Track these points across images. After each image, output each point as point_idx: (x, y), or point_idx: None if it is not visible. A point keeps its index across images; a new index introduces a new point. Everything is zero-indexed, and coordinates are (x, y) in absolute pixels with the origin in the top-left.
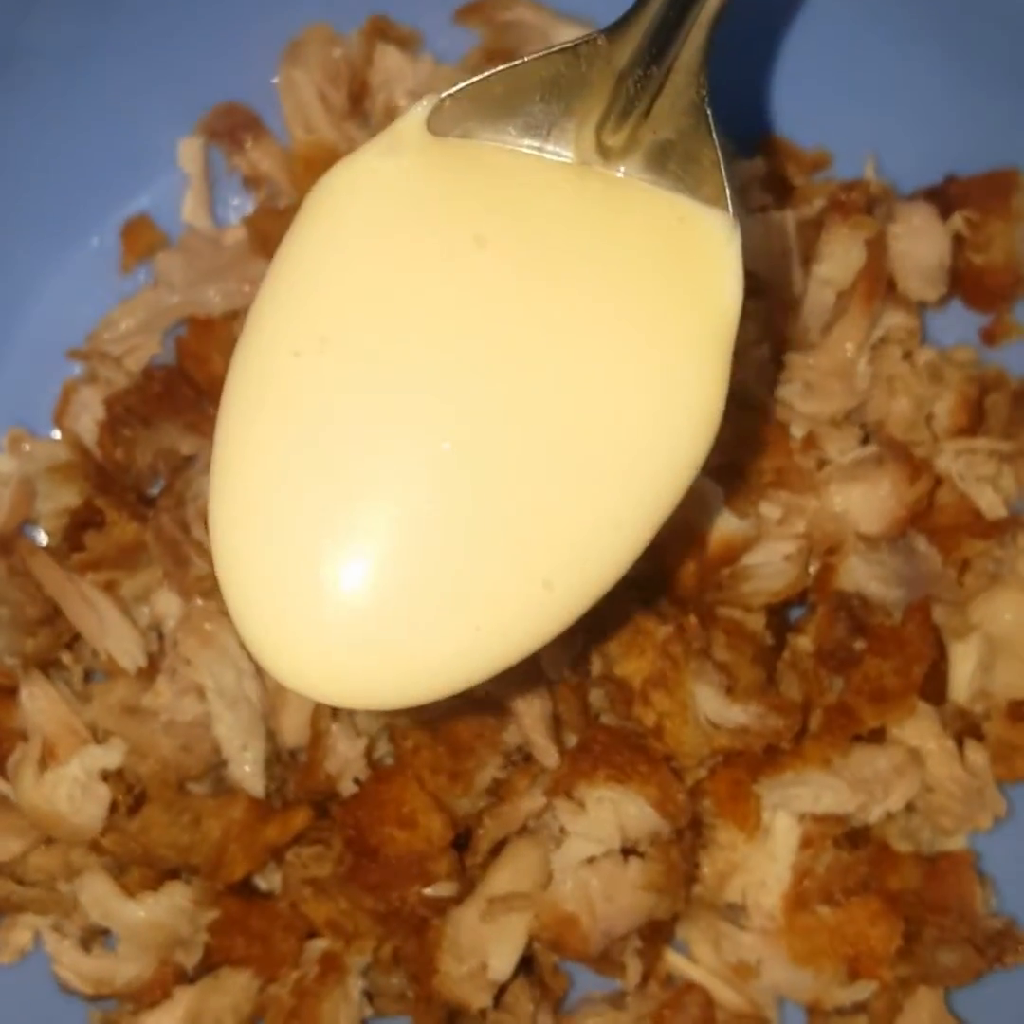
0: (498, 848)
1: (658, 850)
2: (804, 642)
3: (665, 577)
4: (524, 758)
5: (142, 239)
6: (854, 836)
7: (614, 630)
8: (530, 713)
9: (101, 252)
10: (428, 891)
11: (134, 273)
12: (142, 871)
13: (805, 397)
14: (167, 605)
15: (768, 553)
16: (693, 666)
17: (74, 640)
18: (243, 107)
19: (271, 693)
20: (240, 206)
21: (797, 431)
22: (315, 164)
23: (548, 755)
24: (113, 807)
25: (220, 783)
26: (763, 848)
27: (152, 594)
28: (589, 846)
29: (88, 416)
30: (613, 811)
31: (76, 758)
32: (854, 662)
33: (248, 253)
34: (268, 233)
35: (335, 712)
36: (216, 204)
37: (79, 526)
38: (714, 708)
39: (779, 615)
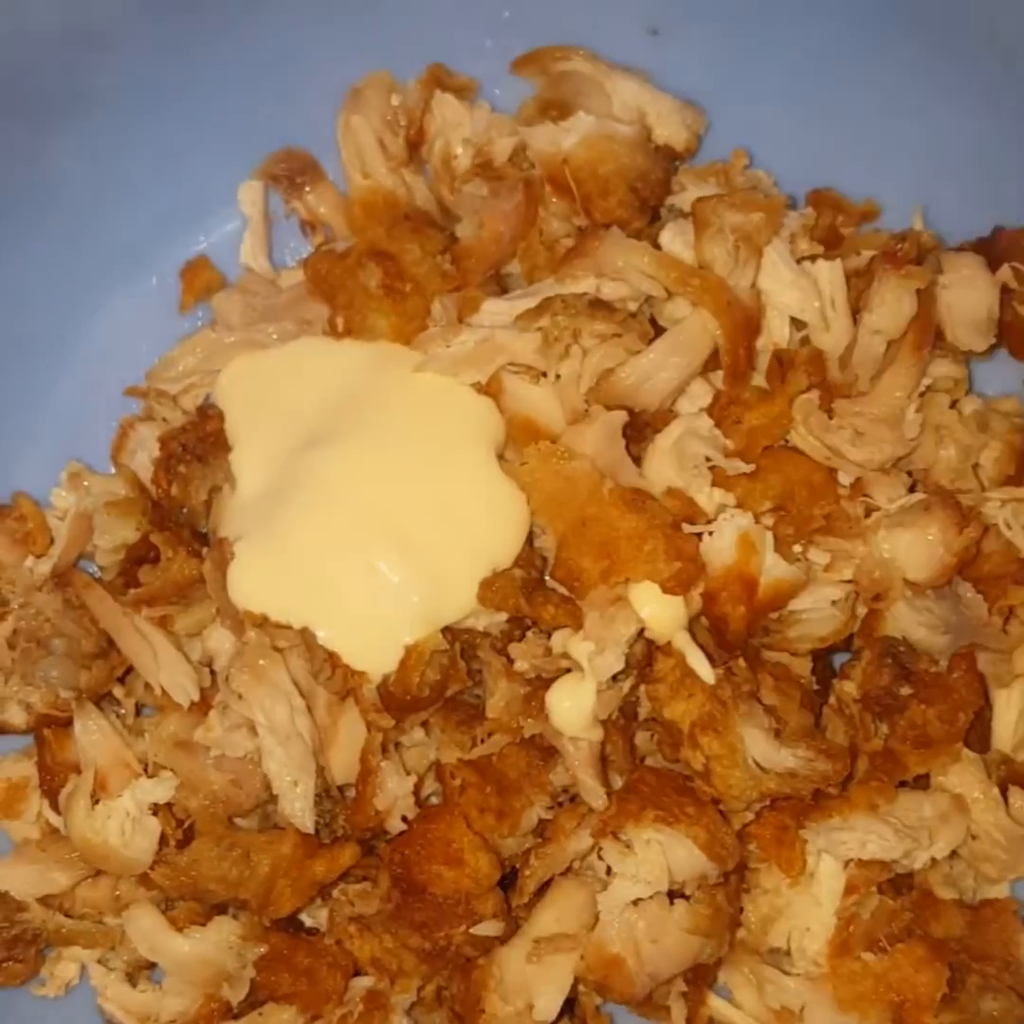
0: (544, 888)
1: (705, 893)
2: (850, 688)
3: (713, 621)
4: (571, 799)
5: (201, 279)
6: (897, 883)
7: (662, 671)
8: (578, 754)
9: (160, 291)
10: (474, 930)
11: (192, 312)
12: (190, 905)
13: (855, 444)
14: (220, 640)
15: (816, 598)
16: (742, 709)
17: (127, 674)
18: (302, 152)
19: (322, 729)
20: (296, 249)
21: (845, 478)
22: (372, 209)
23: (596, 796)
24: (163, 841)
25: (268, 818)
26: (808, 893)
27: (205, 629)
28: (636, 888)
29: (144, 453)
30: (661, 853)
31: (128, 791)
32: (900, 708)
33: (304, 295)
34: (324, 275)
35: (385, 749)
36: (274, 247)
37: (135, 561)
38: (763, 752)
39: (823, 660)
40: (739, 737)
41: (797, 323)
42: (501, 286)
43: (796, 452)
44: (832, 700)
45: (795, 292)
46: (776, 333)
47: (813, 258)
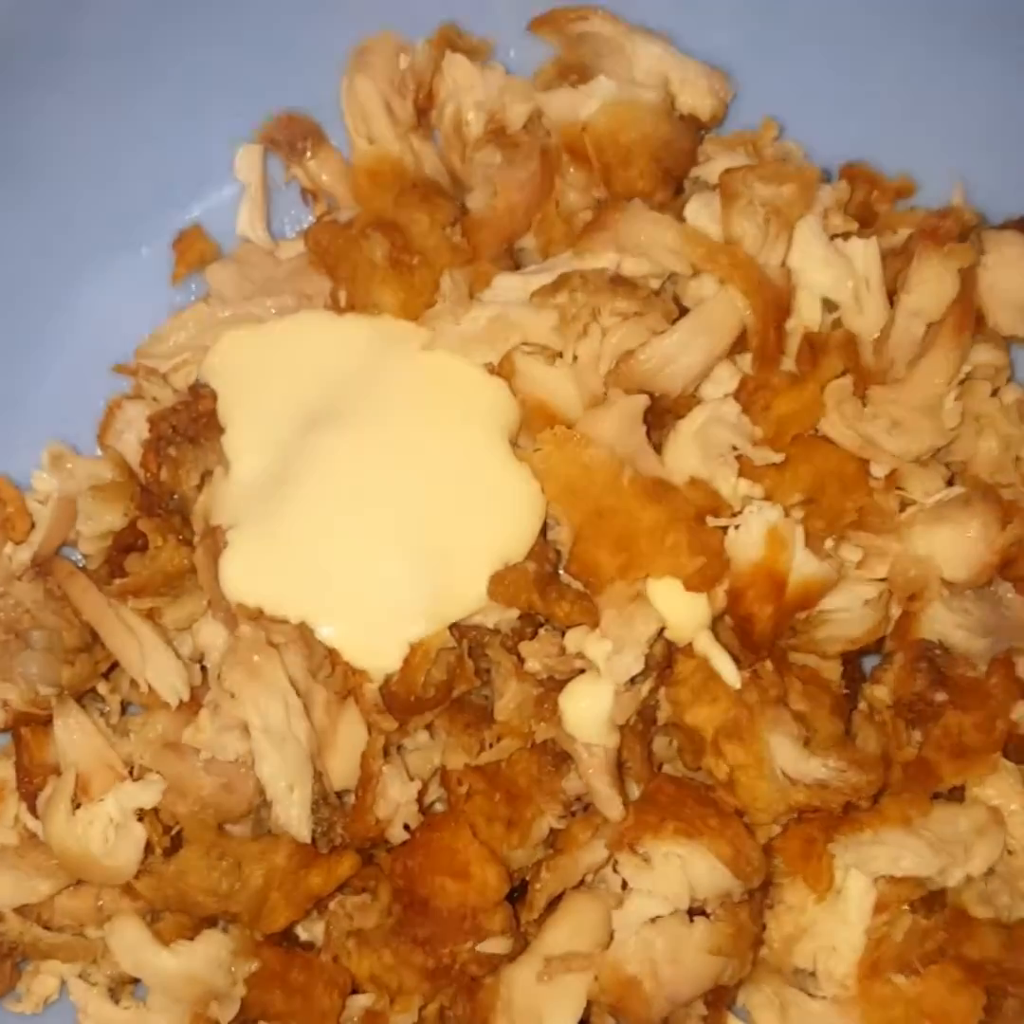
0: (555, 903)
1: (727, 911)
2: (882, 693)
3: (739, 621)
4: (584, 808)
5: (194, 250)
6: (929, 900)
7: (684, 673)
8: (593, 760)
9: (151, 263)
10: (480, 947)
11: (185, 285)
12: (177, 918)
13: (890, 434)
14: (212, 635)
15: (847, 597)
16: (769, 716)
17: (112, 670)
18: (304, 116)
19: (319, 731)
20: (297, 219)
21: (879, 470)
22: (378, 177)
23: (612, 806)
24: (148, 849)
25: (262, 826)
26: (834, 911)
27: (196, 623)
28: (654, 904)
29: (132, 434)
30: (681, 868)
31: (111, 795)
32: (934, 715)
33: (305, 267)
34: (326, 246)
35: (387, 753)
36: (272, 216)
37: (121, 549)
38: (791, 762)
39: (853, 664)
40: (766, 745)
41: (828, 305)
42: (514, 261)
43: (827, 442)
44: (862, 706)
45: (828, 271)
46: (807, 315)
47: (846, 236)
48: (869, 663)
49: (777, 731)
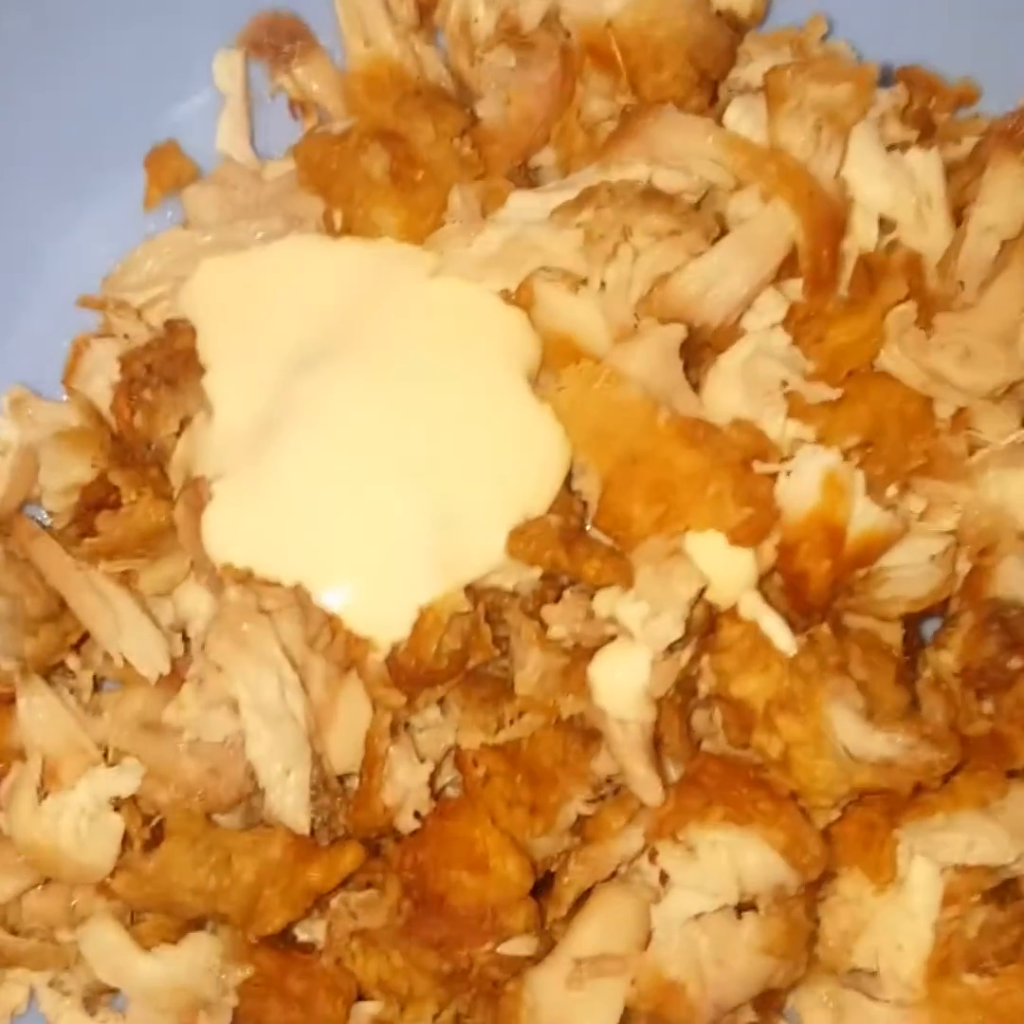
0: (584, 898)
1: (779, 906)
2: (948, 659)
3: (791, 579)
4: (615, 791)
5: (169, 169)
6: (1001, 891)
7: (729, 639)
8: (627, 738)
9: (121, 185)
10: (501, 949)
11: (159, 211)
12: (159, 919)
13: (960, 366)
14: (195, 601)
15: (910, 552)
16: (829, 686)
17: (82, 641)
18: (291, 16)
19: (318, 707)
20: (284, 135)
21: (945, 409)
22: (375, 84)
23: (649, 788)
24: (126, 842)
25: (253, 815)
26: (898, 904)
27: (177, 588)
28: (699, 900)
29: (102, 377)
30: (729, 859)
31: (83, 782)
32: (1007, 684)
33: (294, 186)
34: (318, 162)
35: (394, 732)
36: (257, 132)
37: (90, 506)
38: (854, 737)
39: (912, 627)
40: (825, 719)
41: (885, 225)
42: (530, 181)
43: (887, 377)
44: (926, 675)
45: (886, 184)
46: (862, 234)
47: (905, 146)
48: (929, 628)
49: (838, 703)
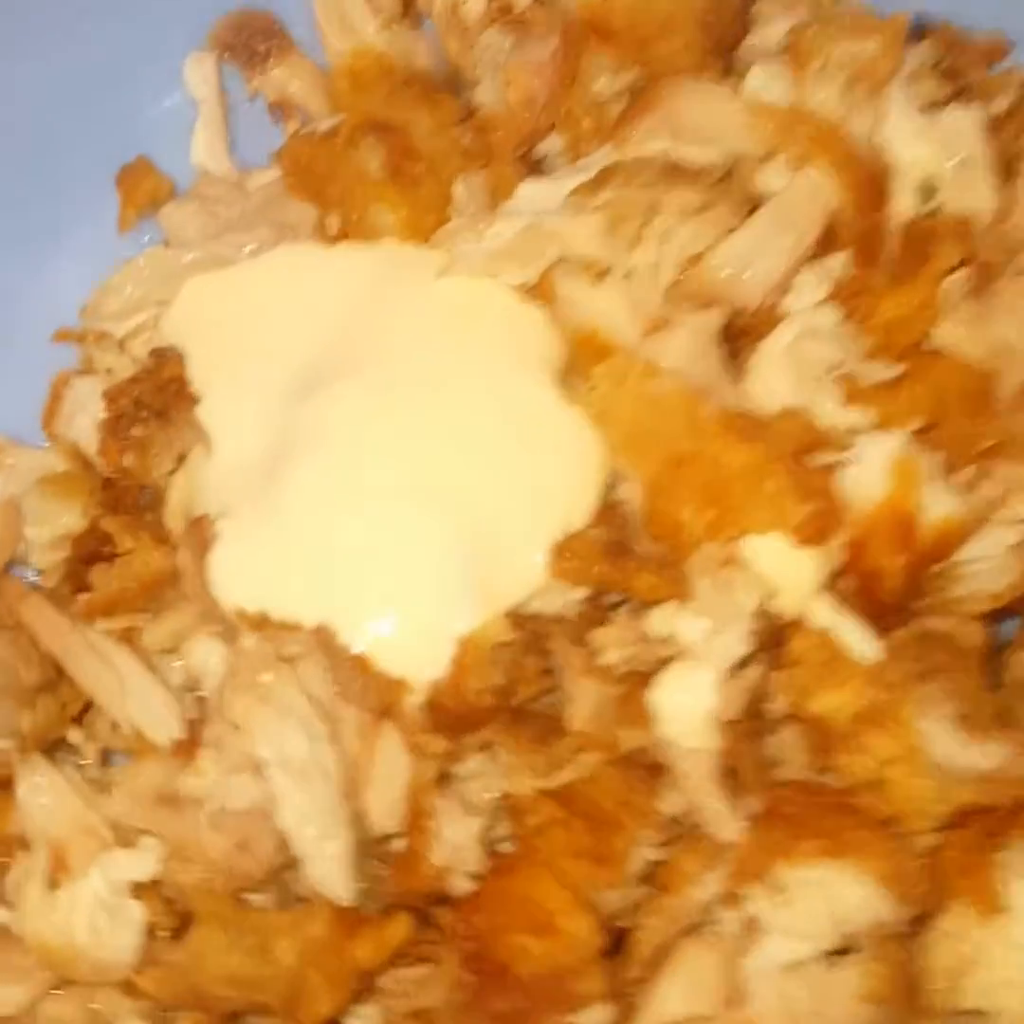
0: (659, 954)
1: (880, 946)
2: None
3: (862, 579)
4: (685, 833)
5: (143, 188)
6: None
7: (801, 651)
8: (697, 770)
9: (91, 209)
10: (576, 1019)
11: (137, 233)
12: (194, 1018)
13: None
14: (206, 654)
15: (987, 544)
16: (919, 696)
17: (85, 711)
18: (262, 13)
19: (352, 763)
20: (265, 143)
21: (1003, 386)
22: (360, 79)
23: (726, 824)
24: (150, 933)
25: (288, 890)
26: (1005, 935)
27: (185, 642)
28: (794, 946)
29: (86, 416)
30: (825, 897)
31: (96, 869)
32: None
33: (282, 193)
34: (307, 163)
35: (439, 782)
36: (235, 141)
37: (83, 559)
38: (952, 750)
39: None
40: (919, 733)
41: (925, 190)
42: (537, 174)
43: (944, 354)
44: (1010, 677)
45: (924, 146)
46: (902, 201)
47: (940, 105)
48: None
49: (932, 714)
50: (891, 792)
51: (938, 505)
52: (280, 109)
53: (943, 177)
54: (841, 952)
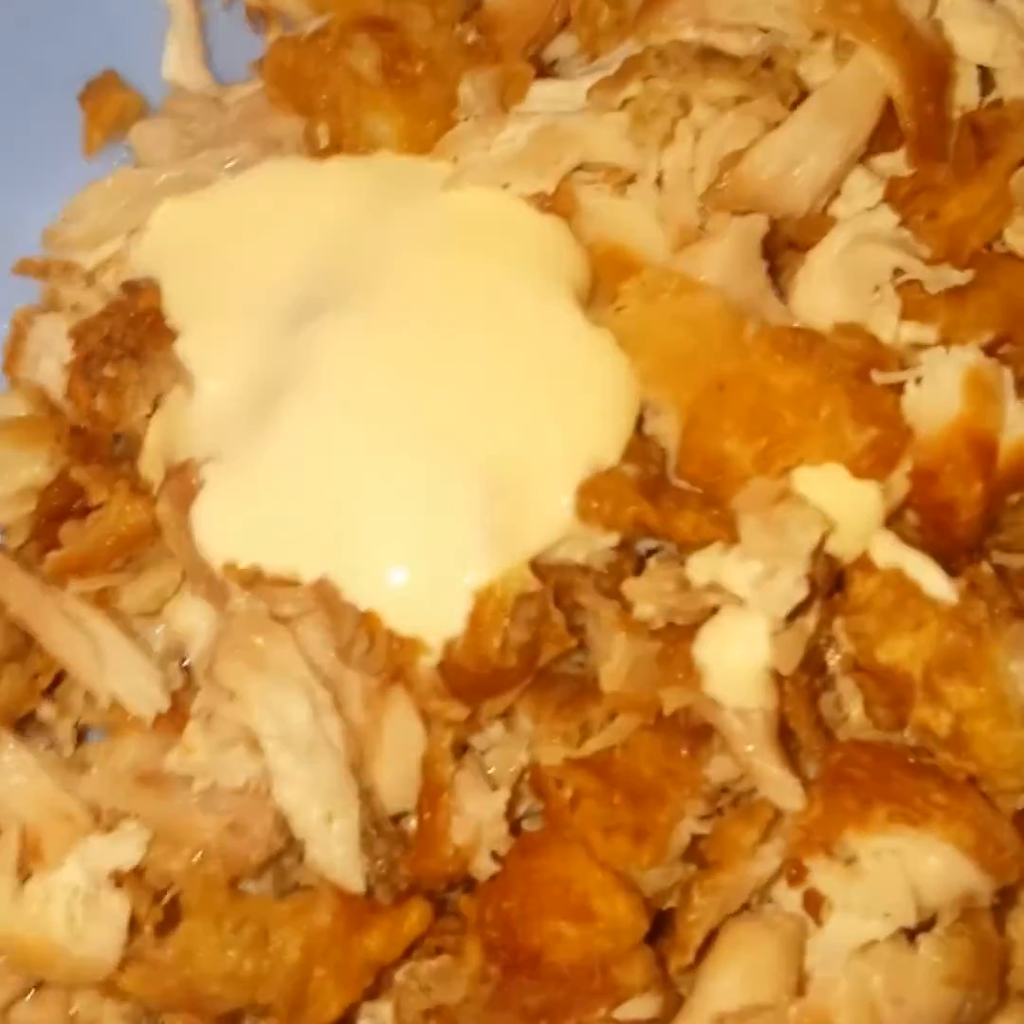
0: (710, 939)
1: (963, 923)
2: None
3: (933, 512)
4: (734, 802)
5: (111, 106)
6: None
7: (866, 594)
8: (751, 731)
9: (55, 127)
10: (619, 1012)
11: (105, 157)
12: (185, 1020)
13: None
14: (192, 616)
15: None
16: (1007, 636)
17: (57, 683)
18: None
19: (359, 733)
20: (243, 54)
21: None
22: None
23: (788, 791)
24: (133, 926)
25: (288, 877)
26: None
27: (169, 604)
28: (868, 925)
29: (51, 358)
30: (902, 869)
31: (73, 857)
32: None
33: (265, 105)
34: (293, 68)
35: (457, 753)
36: (211, 53)
37: (51, 514)
38: None
39: None
40: (1007, 679)
41: (987, 78)
42: (548, 78)
43: (1017, 257)
44: None
45: (985, 29)
46: (963, 90)
47: None
48: None
49: (1019, 656)
50: (975, 748)
51: (1019, 425)
52: (259, 15)
53: (1006, 62)
54: (921, 930)
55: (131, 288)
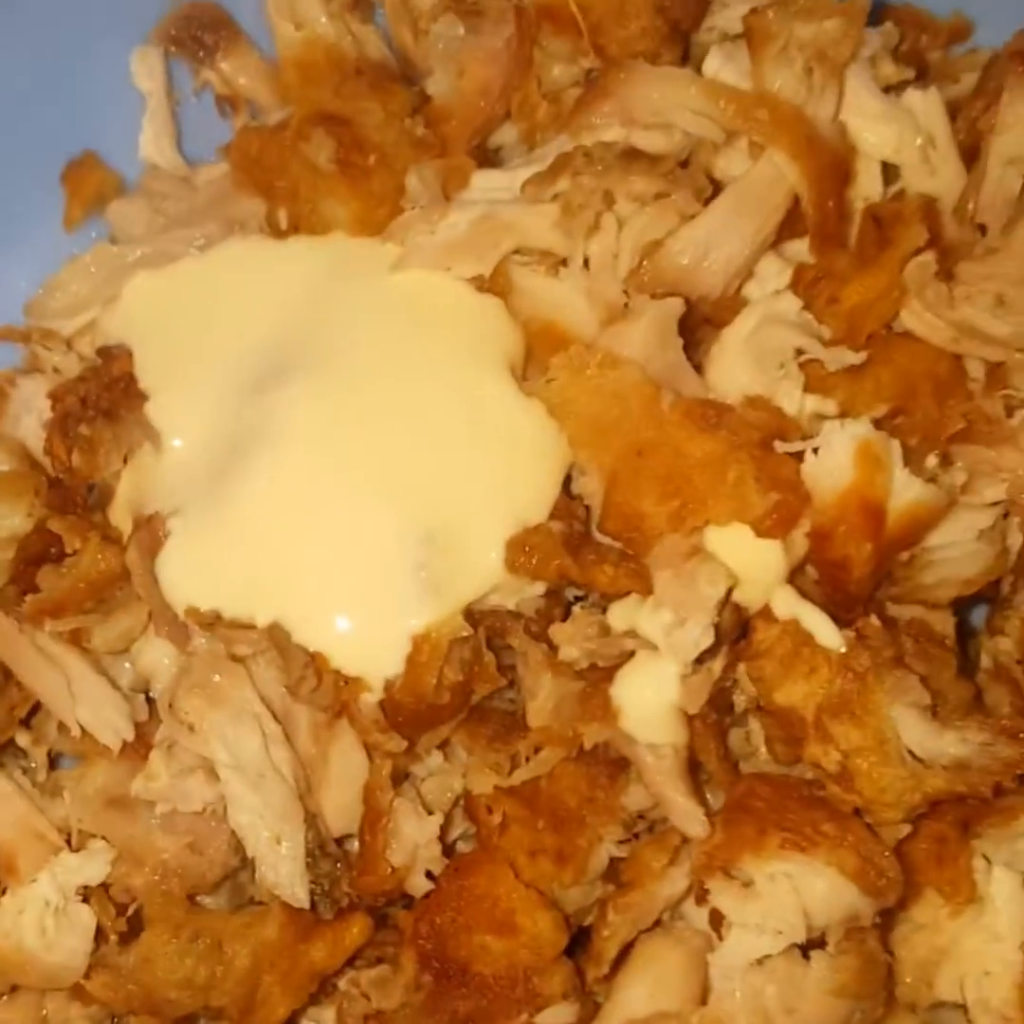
0: (624, 953)
1: (850, 940)
2: (1006, 645)
3: (828, 569)
4: (649, 828)
5: (90, 183)
6: None
7: (766, 642)
8: (661, 765)
9: (41, 207)
10: (540, 1018)
11: (84, 230)
12: (144, 1022)
13: (995, 316)
14: (157, 655)
15: (956, 529)
16: (889, 683)
17: (33, 714)
18: (209, 5)
19: (307, 762)
20: (213, 137)
21: (976, 367)
22: (310, 70)
23: (692, 819)
24: (99, 937)
25: (242, 893)
26: (980, 925)
27: (135, 643)
28: (761, 941)
29: (32, 416)
30: (793, 890)
31: (45, 873)
32: None
33: (230, 189)
34: (256, 156)
35: (396, 782)
36: (183, 136)
37: (30, 560)
38: (922, 738)
39: (957, 612)
40: (888, 721)
41: (888, 172)
42: (492, 163)
43: (911, 337)
44: (985, 664)
45: (887, 127)
46: (866, 183)
47: (901, 87)
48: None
49: (900, 701)
50: (860, 783)
51: (906, 491)
52: (228, 102)
53: (906, 159)
54: (811, 946)
55: (105, 353)
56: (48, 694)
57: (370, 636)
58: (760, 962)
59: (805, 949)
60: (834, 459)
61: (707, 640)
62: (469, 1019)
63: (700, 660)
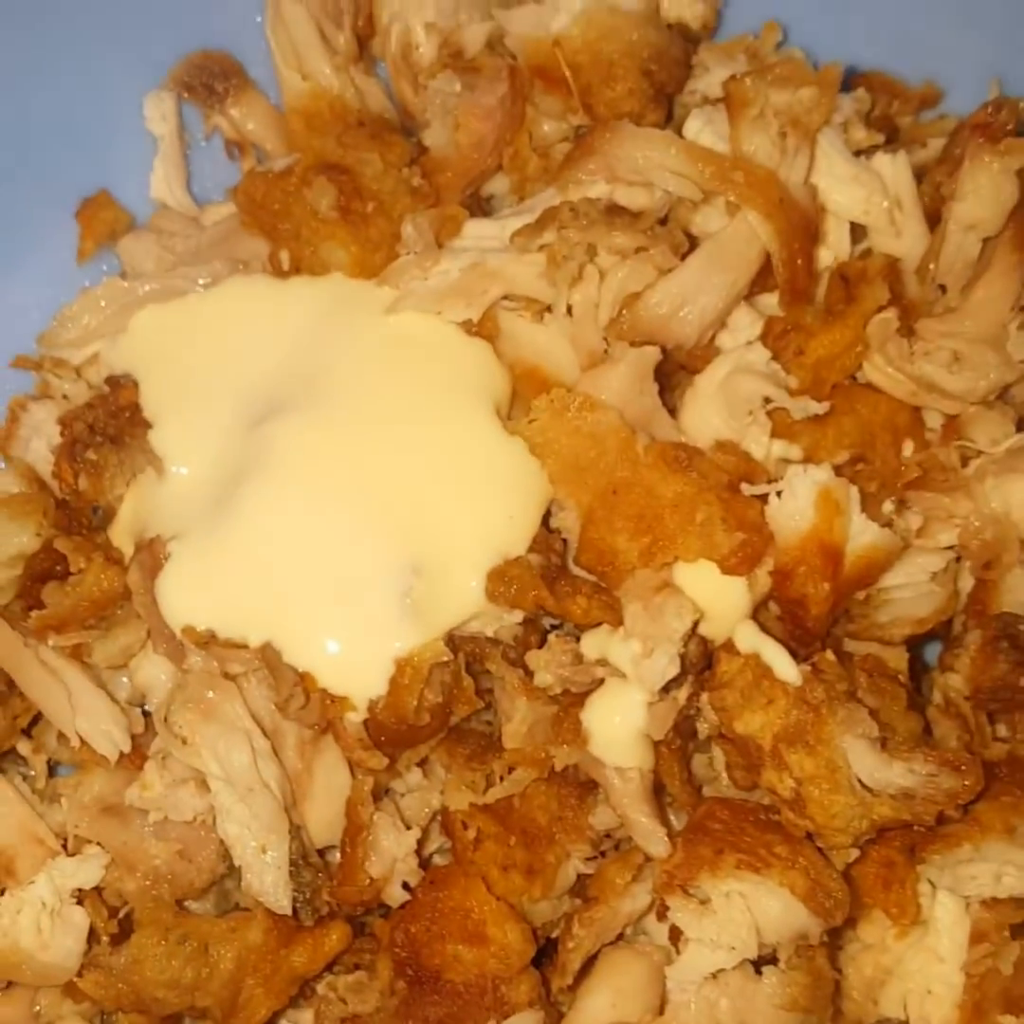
0: (589, 964)
1: (800, 957)
2: (956, 682)
3: (788, 606)
4: (615, 846)
5: (102, 220)
6: None
7: (729, 674)
8: (626, 787)
9: (52, 239)
10: None
11: (95, 264)
12: (133, 1020)
13: (951, 372)
14: (154, 671)
15: (910, 571)
16: (840, 715)
17: (34, 723)
18: (221, 54)
19: (293, 776)
20: (221, 179)
21: (933, 418)
22: (315, 119)
23: (654, 840)
24: (92, 937)
25: (228, 899)
26: (923, 946)
27: (134, 659)
28: (716, 956)
29: (41, 440)
30: (746, 909)
31: (42, 876)
32: (1022, 703)
33: (236, 229)
34: (261, 200)
35: (377, 798)
36: (192, 177)
37: (36, 577)
38: (871, 768)
39: (914, 650)
40: (839, 752)
41: (857, 232)
42: (484, 212)
43: (872, 389)
44: (936, 699)
45: (856, 190)
46: (835, 242)
47: (872, 150)
48: (930, 652)
49: (851, 733)
50: (811, 809)
51: (862, 534)
52: (236, 147)
53: (873, 220)
54: (763, 962)
55: (113, 383)
56: (49, 705)
57: (356, 658)
58: (715, 976)
59: (758, 965)
60: (796, 503)
61: (673, 670)
62: (440, 1022)
63: (666, 689)
